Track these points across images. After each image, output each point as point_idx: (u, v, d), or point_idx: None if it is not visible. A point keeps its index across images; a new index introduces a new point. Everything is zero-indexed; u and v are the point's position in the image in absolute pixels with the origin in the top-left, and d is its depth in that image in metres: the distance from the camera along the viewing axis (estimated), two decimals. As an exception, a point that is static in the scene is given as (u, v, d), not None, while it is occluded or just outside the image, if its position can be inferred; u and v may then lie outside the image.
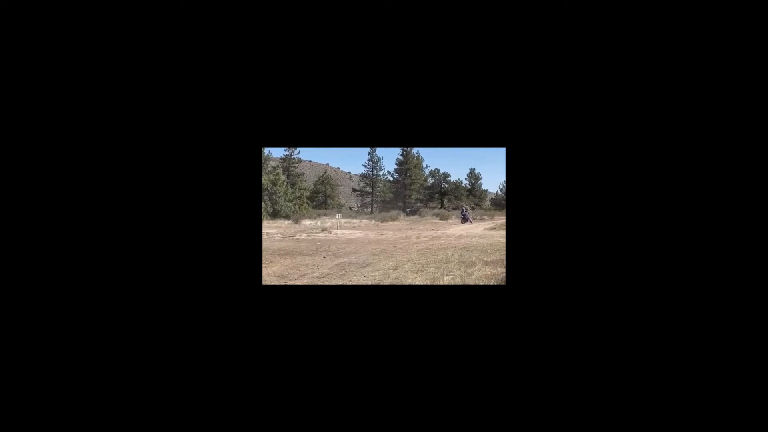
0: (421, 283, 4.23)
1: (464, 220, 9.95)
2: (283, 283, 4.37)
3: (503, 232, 3.32)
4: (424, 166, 12.25)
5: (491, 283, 3.80)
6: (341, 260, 5.69)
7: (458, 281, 4.16)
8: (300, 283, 4.34)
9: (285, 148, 10.01)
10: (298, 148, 10.37)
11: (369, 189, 12.35)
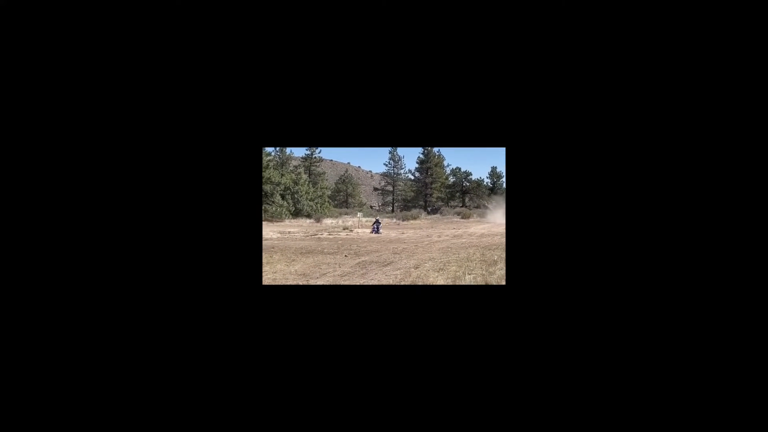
0: (442, 283, 4.24)
1: (374, 230, 9.44)
2: (306, 282, 4.42)
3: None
4: (446, 164, 12.21)
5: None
6: (363, 259, 5.70)
7: (480, 280, 4.16)
8: (319, 282, 4.40)
9: (306, 147, 10.11)
10: (320, 147, 10.45)
11: (390, 188, 12.36)
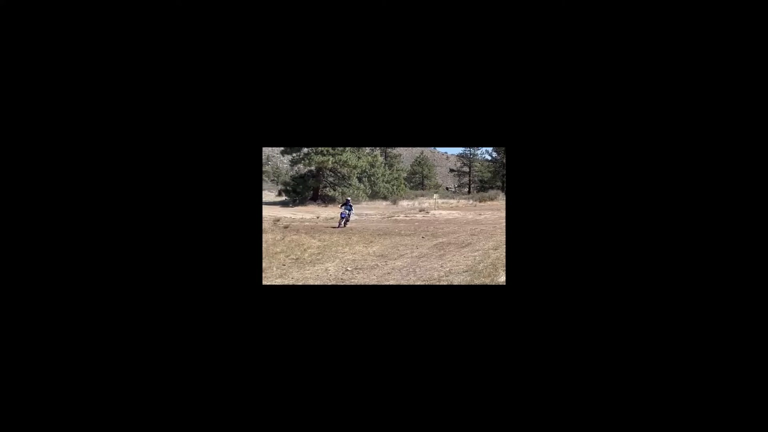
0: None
1: (343, 219, 7.64)
2: (384, 263, 4.49)
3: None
4: (526, 143, 11.73)
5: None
6: (440, 240, 5.72)
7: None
8: (397, 264, 4.46)
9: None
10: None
11: (466, 169, 12.15)
